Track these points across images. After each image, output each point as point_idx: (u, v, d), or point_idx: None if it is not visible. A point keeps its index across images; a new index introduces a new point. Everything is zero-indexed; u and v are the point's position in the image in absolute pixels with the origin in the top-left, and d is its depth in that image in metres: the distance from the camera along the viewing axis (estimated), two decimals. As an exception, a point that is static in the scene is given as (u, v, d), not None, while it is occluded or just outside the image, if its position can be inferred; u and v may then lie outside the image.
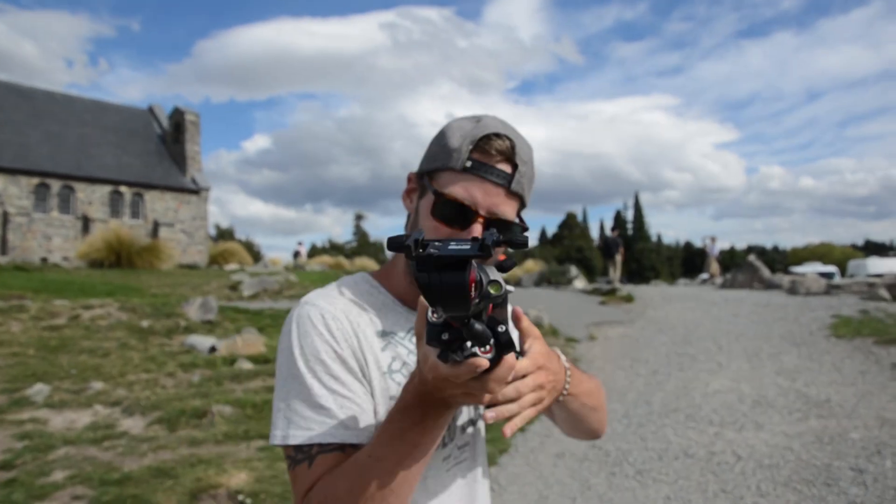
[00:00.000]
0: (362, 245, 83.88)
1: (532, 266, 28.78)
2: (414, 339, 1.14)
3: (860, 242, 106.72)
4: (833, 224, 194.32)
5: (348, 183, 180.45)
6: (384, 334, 1.17)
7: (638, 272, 68.89)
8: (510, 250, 1.18)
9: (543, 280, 23.83)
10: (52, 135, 35.78)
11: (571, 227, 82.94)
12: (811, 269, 31.57)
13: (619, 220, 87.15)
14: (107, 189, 36.24)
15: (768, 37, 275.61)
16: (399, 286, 1.23)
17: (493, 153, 1.12)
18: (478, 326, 0.78)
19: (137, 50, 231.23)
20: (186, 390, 7.52)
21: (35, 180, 33.34)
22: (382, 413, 1.11)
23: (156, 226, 37.68)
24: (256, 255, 47.70)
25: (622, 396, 7.84)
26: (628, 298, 16.57)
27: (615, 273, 22.55)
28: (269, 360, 8.96)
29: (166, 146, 41.56)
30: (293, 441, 1.06)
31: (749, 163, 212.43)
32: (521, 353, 1.03)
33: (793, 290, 16.61)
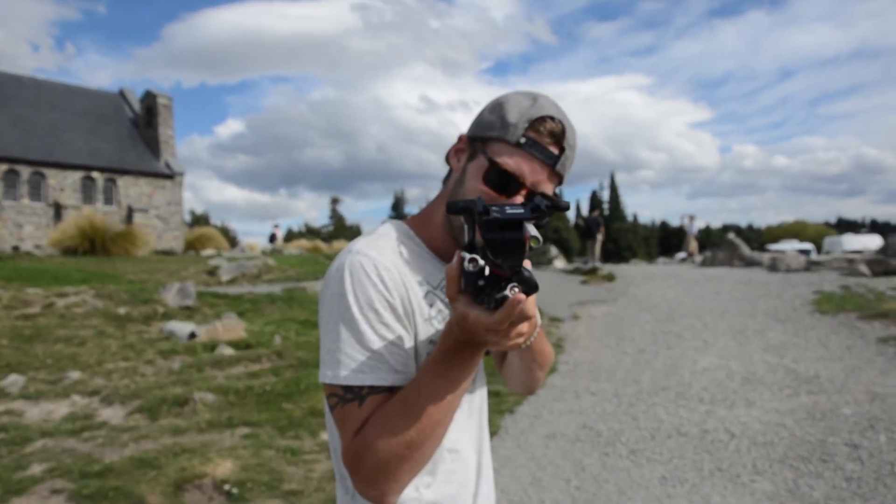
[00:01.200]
0: (339, 228, 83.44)
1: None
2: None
3: (833, 220, 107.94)
4: (806, 202, 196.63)
5: (323, 166, 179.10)
6: (423, 283, 1.28)
7: (615, 252, 69.18)
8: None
9: (523, 260, 23.73)
10: (20, 120, 34.95)
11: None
12: (789, 246, 31.80)
13: (595, 201, 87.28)
14: (79, 175, 35.54)
15: (741, 16, 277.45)
16: (434, 237, 1.34)
17: (545, 134, 1.24)
18: (525, 273, 0.95)
19: (105, 34, 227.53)
20: (167, 378, 7.34)
21: (4, 167, 32.59)
22: (423, 355, 1.23)
23: (130, 212, 37.05)
24: (233, 241, 47.25)
25: (611, 375, 7.77)
26: (610, 277, 16.53)
27: (595, 253, 22.52)
28: (250, 345, 8.79)
29: (139, 131, 40.81)
30: (345, 381, 1.15)
31: (723, 142, 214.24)
32: None
33: (773, 267, 16.66)
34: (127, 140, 39.68)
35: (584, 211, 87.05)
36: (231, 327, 9.33)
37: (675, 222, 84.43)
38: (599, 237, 22.59)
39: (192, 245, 33.57)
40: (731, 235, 21.13)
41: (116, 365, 7.84)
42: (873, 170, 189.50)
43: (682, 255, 25.70)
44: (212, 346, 8.57)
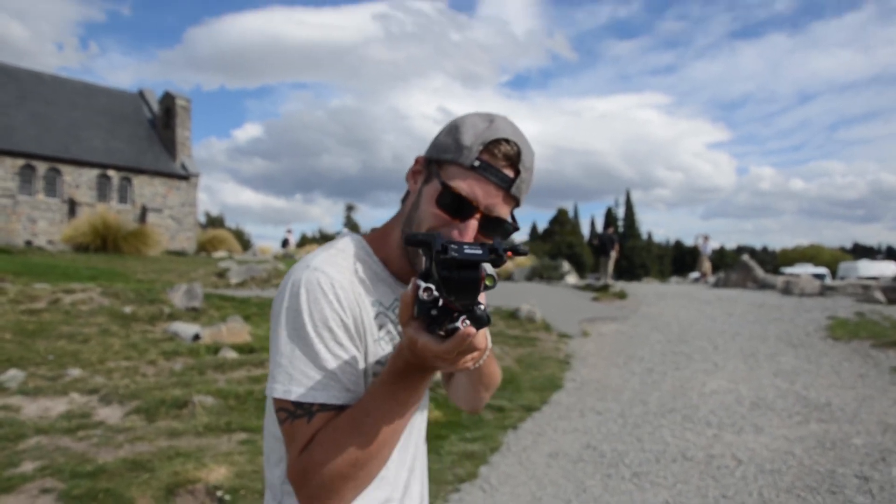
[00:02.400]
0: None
1: (523, 261, 28.50)
2: (397, 310, 1.20)
3: (848, 245, 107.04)
4: (822, 226, 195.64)
5: (339, 174, 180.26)
6: (375, 304, 1.27)
7: (628, 270, 68.70)
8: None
9: (535, 275, 23.59)
10: (39, 116, 35.21)
11: (562, 222, 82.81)
12: (804, 270, 31.47)
13: (610, 218, 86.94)
14: (94, 172, 35.74)
15: (762, 38, 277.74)
16: (391, 257, 1.34)
17: (499, 157, 1.22)
18: (478, 312, 0.97)
19: (128, 35, 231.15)
20: (167, 379, 7.27)
21: (20, 162, 32.81)
22: (371, 375, 1.24)
23: (144, 211, 37.23)
24: (246, 244, 47.36)
25: (617, 395, 7.63)
26: (621, 295, 16.38)
27: (608, 270, 22.36)
28: (254, 349, 8.71)
29: (156, 131, 41.06)
30: (295, 397, 1.15)
31: (740, 163, 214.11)
32: None
33: (787, 291, 16.46)
34: (144, 140, 39.92)
35: (599, 227, 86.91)
36: (236, 331, 9.26)
37: (689, 242, 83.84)
38: (613, 254, 22.42)
39: (205, 247, 33.65)
40: (746, 257, 20.89)
41: (118, 364, 7.78)
42: (890, 196, 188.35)
43: (695, 275, 25.42)
44: (215, 349, 8.50)
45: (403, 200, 1.38)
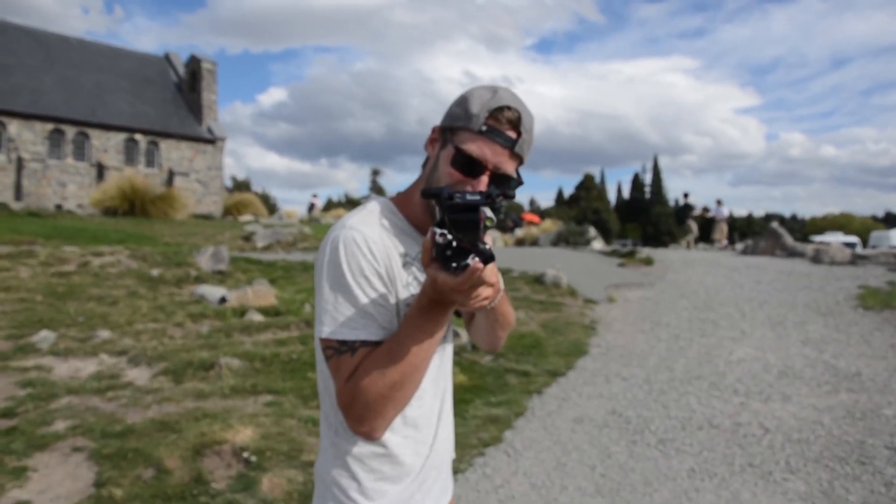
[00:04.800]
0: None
1: (549, 226, 28.35)
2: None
3: (880, 214, 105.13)
4: (853, 194, 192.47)
5: (364, 137, 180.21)
6: (402, 255, 1.45)
7: (654, 236, 68.20)
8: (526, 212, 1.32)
9: (561, 240, 23.46)
10: (66, 80, 35.39)
11: (589, 188, 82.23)
12: (834, 238, 30.98)
13: (637, 184, 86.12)
14: (122, 136, 35.99)
15: (794, 1, 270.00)
16: (414, 214, 1.51)
17: (503, 122, 1.41)
18: (481, 246, 1.14)
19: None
20: (194, 341, 7.34)
21: (49, 126, 33.11)
22: (402, 314, 1.41)
23: (171, 175, 37.49)
24: (272, 208, 47.52)
25: (643, 361, 7.59)
26: (647, 261, 16.23)
27: (693, 238, 22.87)
28: (280, 312, 8.75)
29: (182, 95, 41.15)
30: (341, 336, 1.34)
31: (770, 129, 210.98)
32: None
33: (817, 259, 16.19)
34: (170, 104, 40.03)
35: (626, 193, 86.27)
36: (262, 293, 9.31)
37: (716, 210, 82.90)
38: (692, 224, 22.79)
39: (231, 210, 33.85)
40: (775, 224, 20.55)
41: (146, 326, 7.87)
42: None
43: (719, 243, 25.10)
44: (241, 312, 8.56)
45: (423, 166, 1.55)
